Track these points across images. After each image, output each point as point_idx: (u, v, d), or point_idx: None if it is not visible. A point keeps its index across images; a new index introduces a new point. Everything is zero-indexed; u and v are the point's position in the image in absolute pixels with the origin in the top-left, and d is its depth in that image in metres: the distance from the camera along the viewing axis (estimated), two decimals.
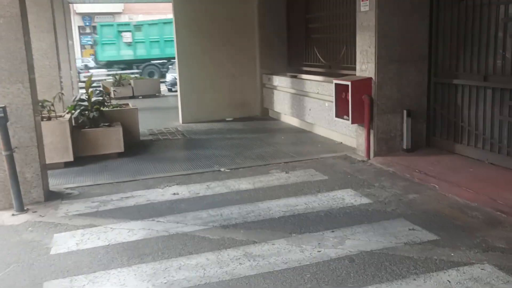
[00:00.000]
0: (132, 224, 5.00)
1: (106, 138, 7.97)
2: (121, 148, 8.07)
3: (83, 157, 7.86)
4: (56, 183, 6.70)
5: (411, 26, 7.01)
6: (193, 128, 10.83)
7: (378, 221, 4.78)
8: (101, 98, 8.63)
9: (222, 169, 7.04)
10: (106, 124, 8.41)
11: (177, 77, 11.61)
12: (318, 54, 10.29)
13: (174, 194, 5.97)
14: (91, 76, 8.30)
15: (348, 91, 7.12)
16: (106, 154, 8.01)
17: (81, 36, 42.80)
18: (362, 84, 7.03)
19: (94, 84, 11.24)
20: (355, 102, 7.03)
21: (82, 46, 43.18)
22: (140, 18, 43.40)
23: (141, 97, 18.54)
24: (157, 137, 9.95)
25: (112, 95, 9.00)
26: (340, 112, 7.45)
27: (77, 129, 7.98)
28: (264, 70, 11.79)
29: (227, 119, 11.78)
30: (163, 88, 21.77)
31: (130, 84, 18.83)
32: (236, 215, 5.14)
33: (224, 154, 8.06)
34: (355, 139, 7.72)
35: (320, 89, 8.90)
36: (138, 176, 6.89)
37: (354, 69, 8.42)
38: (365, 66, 7.15)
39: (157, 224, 4.98)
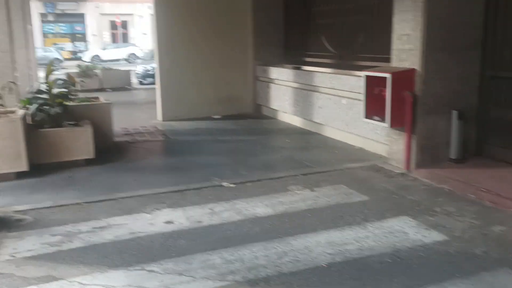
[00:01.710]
0: (111, 278, 3.37)
1: (71, 141, 6.25)
2: (90, 154, 6.36)
3: (42, 165, 6.12)
4: (2, 203, 4.97)
5: (462, 7, 5.59)
6: (175, 127, 9.16)
7: (475, 274, 3.31)
8: (65, 90, 6.87)
9: (224, 184, 5.45)
10: (72, 122, 6.66)
11: (157, 68, 9.89)
12: (325, 42, 8.78)
13: (168, 222, 4.35)
14: (51, 62, 6.53)
15: (384, 86, 5.65)
16: (72, 161, 6.28)
17: (43, 23, 40.04)
18: (404, 77, 5.57)
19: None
20: (394, 100, 5.56)
21: (44, 35, 40.47)
22: (107, 6, 41.06)
23: (110, 90, 16.64)
24: (134, 138, 8.24)
25: (78, 86, 7.21)
26: (371, 111, 5.97)
27: (33, 129, 6.22)
28: (257, 61, 10.21)
29: (214, 116, 10.15)
30: (134, 80, 19.87)
31: (97, 75, 16.93)
32: (263, 260, 3.58)
33: (221, 162, 6.47)
34: (386, 145, 6.27)
35: (335, 83, 7.40)
36: (114, 192, 5.23)
37: (375, 59, 7.04)
38: (405, 55, 5.68)
39: (150, 277, 3.37)
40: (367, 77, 5.94)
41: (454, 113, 5.65)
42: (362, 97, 6.24)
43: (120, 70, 18.75)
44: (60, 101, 6.58)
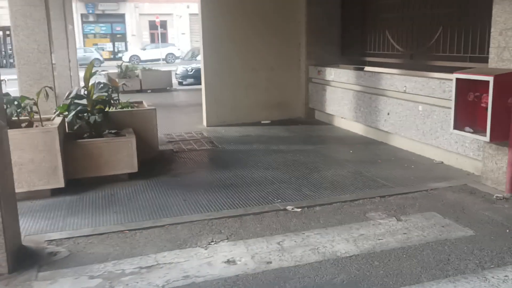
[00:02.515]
0: None
1: (113, 153, 5.54)
2: (134, 167, 5.65)
3: (80, 180, 5.46)
4: (34, 228, 4.29)
5: None
6: (222, 134, 8.39)
7: None
8: (105, 94, 6.18)
9: (289, 208, 4.61)
10: (113, 131, 5.99)
11: (202, 69, 9.14)
12: (391, 40, 7.81)
13: (229, 262, 3.54)
14: (91, 63, 5.84)
15: (481, 91, 4.68)
16: (113, 176, 5.59)
17: (83, 24, 40.29)
18: (510, 81, 4.57)
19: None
20: (497, 108, 4.57)
21: (85, 35, 40.73)
22: (146, 7, 40.96)
23: (149, 91, 16.14)
24: (179, 145, 7.51)
25: (121, 89, 6.53)
26: (462, 121, 5.00)
27: (71, 139, 5.56)
28: (310, 60, 9.32)
29: (263, 122, 9.33)
30: (174, 81, 19.33)
31: (137, 76, 16.43)
32: None
33: (279, 178, 5.63)
34: (477, 160, 5.28)
35: (409, 86, 6.43)
36: (161, 216, 4.49)
37: (459, 59, 6.03)
38: (509, 53, 4.68)
39: None
40: (458, 80, 4.96)
41: None
42: (445, 103, 5.28)
43: (160, 70, 18.21)
44: (101, 107, 5.89)
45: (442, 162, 6.02)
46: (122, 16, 41.28)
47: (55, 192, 5.15)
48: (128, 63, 28.67)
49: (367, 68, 7.83)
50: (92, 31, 41.51)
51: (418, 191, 5.00)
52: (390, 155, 6.55)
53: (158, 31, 37.68)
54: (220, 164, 6.42)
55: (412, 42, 7.31)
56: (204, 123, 9.25)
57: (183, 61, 27.77)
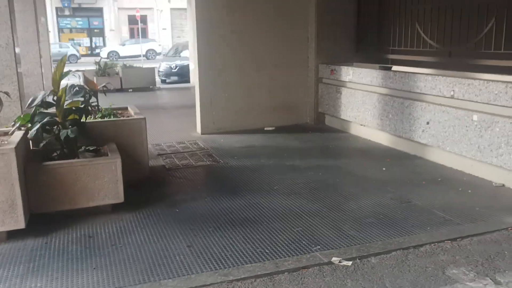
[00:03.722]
0: None
1: (92, 178, 4.22)
2: (119, 197, 4.34)
3: (47, 216, 4.13)
4: None
5: None
6: (221, 144, 7.11)
7: None
8: (82, 99, 4.84)
9: (335, 260, 3.37)
10: (92, 148, 4.67)
11: (196, 68, 7.84)
12: (422, 34, 6.63)
13: None
14: (63, 59, 4.49)
15: None
16: (92, 209, 4.28)
17: (59, 18, 38.32)
18: None
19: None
20: None
21: (61, 30, 38.77)
22: (126, 1, 39.19)
23: (131, 90, 14.75)
24: (171, 160, 6.21)
25: (100, 92, 5.19)
26: None
27: (35, 161, 4.22)
28: (321, 58, 8.10)
29: (266, 128, 8.08)
30: (157, 78, 17.89)
31: (117, 73, 14.99)
32: None
33: (308, 209, 4.39)
34: None
35: (459, 90, 5.25)
36: (160, 274, 3.23)
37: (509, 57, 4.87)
38: None
39: None
40: None
41: None
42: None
43: (142, 68, 16.77)
44: (75, 117, 4.56)
45: (503, 185, 4.87)
46: (99, 10, 39.43)
47: (13, 235, 3.83)
48: (106, 60, 27.06)
49: (396, 68, 6.64)
50: (68, 26, 39.58)
51: (497, 231, 3.82)
52: (434, 174, 5.36)
53: (138, 26, 35.98)
54: (226, 187, 5.14)
55: (451, 37, 6.15)
56: (198, 130, 7.96)
57: (166, 57, 26.24)
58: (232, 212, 4.38)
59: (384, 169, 5.63)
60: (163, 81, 18.15)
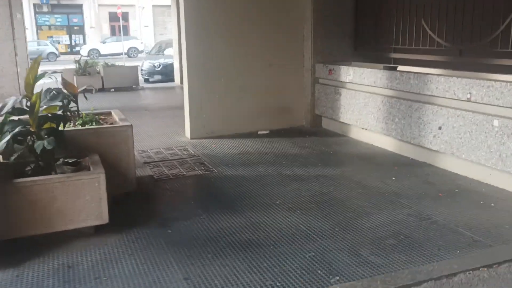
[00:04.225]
0: None
1: (71, 197, 3.66)
2: (102, 217, 3.79)
3: (19, 241, 3.57)
4: None
5: None
6: (213, 151, 6.58)
7: None
8: (60, 104, 4.26)
9: None
10: (71, 161, 4.11)
11: (184, 68, 7.28)
12: (429, 31, 6.19)
13: None
14: (37, 60, 3.90)
15: None
16: (71, 232, 3.72)
17: (37, 15, 37.19)
18: None
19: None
20: None
21: (39, 27, 37.64)
22: None
23: (113, 90, 14.13)
24: (160, 169, 5.67)
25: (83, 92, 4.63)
26: None
27: (3, 178, 3.64)
28: (317, 57, 7.62)
29: (260, 132, 7.58)
30: (140, 77, 17.22)
31: (98, 72, 14.33)
32: None
33: (317, 228, 3.91)
34: None
35: (476, 92, 4.81)
36: None
37: None
38: None
39: None
40: None
41: None
42: None
43: (124, 66, 16.13)
44: (51, 126, 3.99)
45: None
46: (79, 6, 38.40)
47: None
48: (87, 58, 26.24)
49: (402, 68, 6.18)
50: (47, 23, 38.47)
51: None
52: (449, 184, 4.91)
53: (119, 23, 35.07)
54: (223, 202, 4.61)
55: (461, 34, 5.71)
56: (188, 134, 7.41)
57: (149, 55, 25.53)
58: (233, 233, 3.86)
59: (393, 178, 5.17)
60: (146, 80, 17.53)
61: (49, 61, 30.98)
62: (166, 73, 17.24)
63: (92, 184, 3.72)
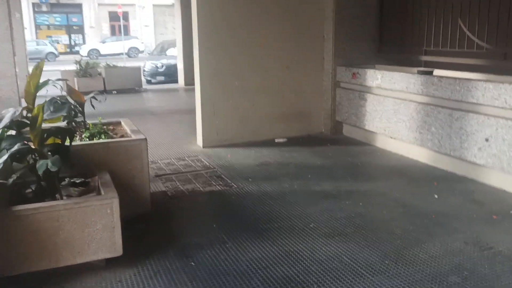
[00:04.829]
0: None
1: (80, 226, 3.13)
2: (116, 249, 3.26)
3: (19, 279, 3.03)
4: None
5: None
6: (229, 161, 6.05)
7: None
8: (65, 115, 3.74)
9: None
10: (78, 181, 3.57)
11: (196, 72, 6.74)
12: (467, 32, 5.67)
13: None
14: (39, 65, 3.37)
15: None
16: (80, 266, 3.18)
17: (36, 14, 36.58)
18: None
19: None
20: None
21: (38, 27, 37.03)
22: None
23: (115, 92, 13.60)
24: (173, 184, 5.14)
25: (91, 105, 4.10)
26: None
27: (2, 203, 3.11)
28: (338, 59, 7.09)
29: (277, 140, 7.05)
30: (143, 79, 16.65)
31: (100, 74, 13.79)
32: None
33: (365, 261, 3.38)
34: None
35: None
36: None
37: None
38: None
39: None
40: None
41: None
42: None
43: (127, 67, 15.58)
44: (56, 142, 3.46)
45: None
46: (79, 6, 37.76)
47: None
48: (87, 58, 25.73)
49: (438, 72, 5.65)
50: (46, 22, 37.81)
51: None
52: (502, 204, 4.39)
53: (119, 23, 34.48)
54: (249, 226, 4.07)
55: (506, 35, 5.19)
56: (199, 142, 6.88)
57: (152, 56, 25.00)
58: (266, 266, 3.33)
59: (435, 196, 4.64)
60: (149, 82, 17.01)
61: (48, 61, 30.41)
62: (169, 74, 16.71)
63: (104, 211, 3.18)
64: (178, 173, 5.59)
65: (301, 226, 4.00)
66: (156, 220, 4.17)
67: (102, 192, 3.36)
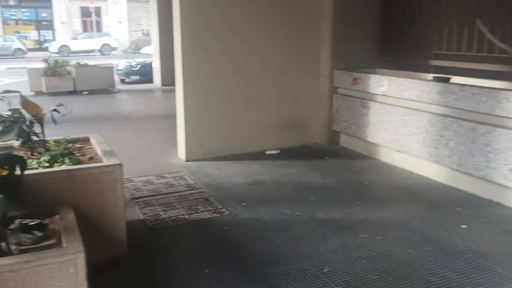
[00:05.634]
0: None
1: (31, 283, 2.32)
2: None
3: None
4: None
5: None
6: (217, 178, 5.29)
7: None
8: (14, 138, 2.91)
9: None
10: (32, 223, 2.75)
11: (177, 75, 5.95)
12: (487, 34, 5.03)
13: None
14: None
15: None
16: None
17: (2, 8, 34.90)
18: None
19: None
20: None
21: (5, 22, 35.37)
22: None
23: (86, 92, 12.68)
24: (153, 209, 4.34)
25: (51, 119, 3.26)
26: None
27: None
28: (337, 63, 6.39)
29: (268, 152, 6.32)
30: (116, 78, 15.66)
31: (70, 73, 12.82)
32: None
33: None
34: None
35: None
36: None
37: None
38: None
39: None
40: None
41: None
42: None
43: (99, 66, 14.62)
44: (2, 174, 2.63)
45: None
46: (48, 0, 36.21)
47: None
48: (57, 55, 24.48)
49: (457, 79, 4.99)
50: (14, 17, 36.17)
51: None
52: None
53: (91, 19, 33.15)
54: (249, 271, 3.31)
55: None
56: (182, 155, 6.09)
57: (126, 54, 23.92)
58: None
59: (463, 226, 3.97)
60: (122, 81, 16.12)
61: (16, 58, 28.99)
62: (144, 74, 15.84)
63: (65, 270, 2.38)
64: (158, 195, 4.79)
65: (313, 271, 3.26)
66: (134, 263, 3.37)
67: (64, 240, 2.55)
